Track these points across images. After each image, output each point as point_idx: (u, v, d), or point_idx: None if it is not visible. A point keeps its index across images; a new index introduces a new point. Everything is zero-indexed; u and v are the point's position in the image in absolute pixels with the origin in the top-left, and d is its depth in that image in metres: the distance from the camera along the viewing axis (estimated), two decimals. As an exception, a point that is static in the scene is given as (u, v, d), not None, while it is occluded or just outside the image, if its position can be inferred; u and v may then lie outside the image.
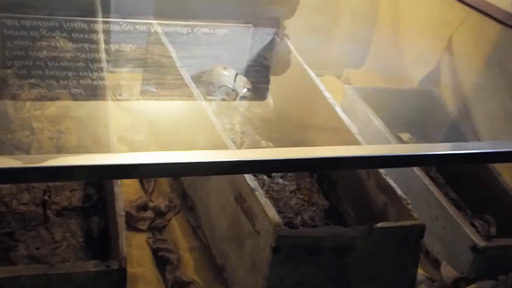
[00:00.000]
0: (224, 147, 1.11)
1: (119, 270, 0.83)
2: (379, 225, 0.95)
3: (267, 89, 1.64)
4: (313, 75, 1.40)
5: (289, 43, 1.57)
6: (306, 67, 1.44)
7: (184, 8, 1.67)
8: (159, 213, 1.20)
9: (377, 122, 1.34)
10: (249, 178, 1.00)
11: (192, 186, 1.24)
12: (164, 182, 1.29)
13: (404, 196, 1.03)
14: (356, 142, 1.17)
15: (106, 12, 1.53)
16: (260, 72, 1.70)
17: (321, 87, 1.35)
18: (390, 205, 1.05)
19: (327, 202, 1.20)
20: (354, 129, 1.21)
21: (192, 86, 1.27)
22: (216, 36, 1.66)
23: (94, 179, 1.02)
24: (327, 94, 1.32)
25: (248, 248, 0.99)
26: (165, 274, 1.07)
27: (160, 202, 1.22)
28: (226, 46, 1.65)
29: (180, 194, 1.25)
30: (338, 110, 1.26)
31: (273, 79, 1.64)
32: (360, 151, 0.96)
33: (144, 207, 1.20)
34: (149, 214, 1.19)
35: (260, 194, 0.97)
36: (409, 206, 1.01)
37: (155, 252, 1.11)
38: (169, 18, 1.58)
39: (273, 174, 1.24)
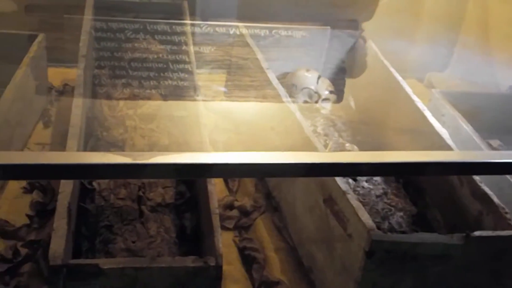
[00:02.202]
0: (312, 149, 1.11)
1: (216, 267, 0.85)
2: (476, 233, 0.92)
3: (344, 91, 1.63)
4: (399, 78, 1.38)
5: (373, 45, 1.55)
6: (392, 70, 1.42)
7: (263, 10, 1.69)
8: (244, 213, 1.21)
9: (467, 128, 1.30)
10: (340, 181, 1.00)
11: (277, 187, 1.25)
12: (249, 182, 1.30)
13: (501, 204, 1.00)
14: (447, 148, 1.14)
15: (193, 15, 1.58)
16: (337, 75, 1.69)
17: (408, 90, 1.33)
18: (486, 214, 1.02)
19: (415, 208, 1.18)
20: (444, 134, 1.18)
21: (279, 88, 1.28)
22: (294, 38, 1.66)
23: (193, 177, 1.05)
24: (414, 98, 1.30)
25: (338, 251, 0.98)
26: (252, 273, 1.08)
27: (245, 201, 1.24)
28: (304, 49, 1.66)
29: (265, 194, 1.27)
30: (428, 114, 1.23)
31: (355, 81, 1.63)
32: (454, 156, 0.94)
33: (230, 206, 1.22)
34: (235, 213, 1.21)
35: (352, 197, 0.96)
36: (508, 216, 0.97)
37: (241, 250, 1.12)
38: (248, 20, 1.60)
39: (358, 177, 1.23)
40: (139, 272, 0.83)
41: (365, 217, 0.92)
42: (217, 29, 1.53)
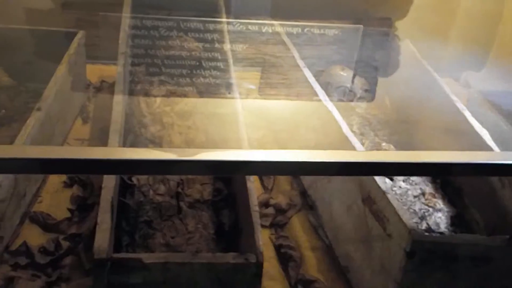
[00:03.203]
0: (350, 148, 1.10)
1: (257, 263, 0.85)
2: (520, 236, 0.91)
3: (376, 90, 1.62)
4: (437, 77, 1.36)
5: (410, 44, 1.53)
6: (430, 68, 1.40)
7: (296, 8, 1.69)
8: (280, 211, 1.21)
9: (507, 128, 1.28)
10: (380, 180, 0.99)
11: (312, 185, 1.25)
12: (284, 180, 1.30)
13: (546, 207, 0.98)
14: (488, 148, 1.13)
15: (228, 12, 1.58)
16: (369, 73, 1.68)
17: (447, 89, 1.31)
18: (528, 216, 1.00)
19: (453, 209, 1.16)
20: (485, 134, 1.16)
21: (316, 86, 1.27)
22: (327, 36, 1.65)
23: (232, 174, 1.05)
24: (453, 97, 1.28)
25: (377, 251, 0.98)
26: (288, 271, 1.08)
27: (280, 199, 1.24)
28: (336, 47, 1.65)
29: (300, 192, 1.27)
30: (467, 114, 1.21)
31: (388, 80, 1.61)
32: (495, 157, 0.92)
33: (265, 204, 1.22)
34: (270, 210, 1.21)
35: (392, 197, 0.95)
36: (552, 218, 0.96)
37: (278, 248, 1.13)
38: (281, 18, 1.60)
39: (395, 177, 1.22)
40: (180, 267, 0.84)
41: (406, 217, 0.91)
42: (251, 27, 1.53)
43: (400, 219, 0.91)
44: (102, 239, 0.83)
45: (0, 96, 1.25)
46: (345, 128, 1.14)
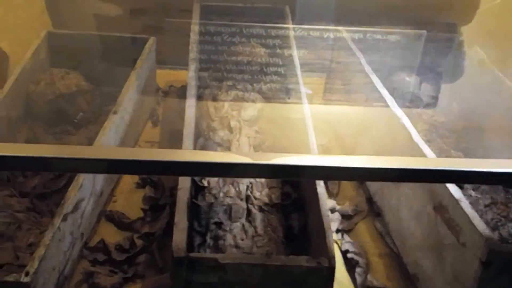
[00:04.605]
0: (420, 155, 1.09)
1: (329, 267, 0.86)
2: None
3: (439, 97, 1.59)
4: (509, 83, 1.33)
5: (479, 50, 1.50)
6: (500, 74, 1.37)
7: (359, 14, 1.68)
8: (346, 216, 1.22)
9: None
10: (453, 188, 0.98)
11: (379, 191, 1.24)
12: (349, 186, 1.31)
13: None
14: None
15: (294, 19, 1.60)
16: (433, 79, 1.65)
17: (519, 96, 1.28)
18: None
19: (527, 220, 1.13)
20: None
21: (384, 92, 1.27)
22: (389, 42, 1.64)
23: (304, 179, 1.06)
24: (527, 105, 1.25)
25: (449, 260, 0.96)
26: (355, 277, 1.08)
27: (346, 205, 1.24)
28: (399, 52, 1.63)
29: (366, 198, 1.26)
30: (544, 122, 1.18)
31: (452, 86, 1.58)
32: None
33: (331, 209, 1.22)
34: (336, 216, 1.21)
35: (466, 205, 0.94)
36: None
37: (344, 254, 1.13)
38: (343, 23, 1.60)
39: (465, 185, 1.20)
40: (254, 269, 0.86)
41: (481, 226, 0.89)
42: (316, 32, 1.54)
43: (475, 228, 0.89)
44: (180, 239, 0.86)
45: (78, 100, 1.31)
46: (415, 134, 1.13)
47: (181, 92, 1.54)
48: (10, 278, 0.83)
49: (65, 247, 0.97)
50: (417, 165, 0.79)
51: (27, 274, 0.84)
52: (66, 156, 0.73)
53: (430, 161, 0.94)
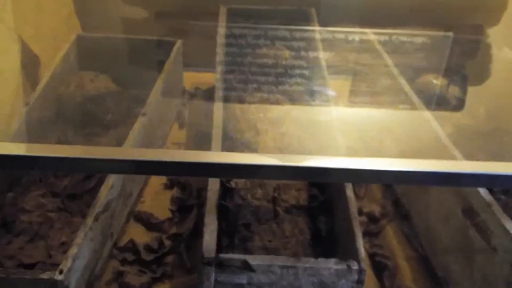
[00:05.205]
0: (449, 158, 1.09)
1: (359, 270, 0.86)
2: None
3: (465, 99, 1.58)
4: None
5: (509, 51, 1.48)
6: (530, 77, 1.35)
7: (385, 16, 1.68)
8: (373, 219, 1.21)
9: None
10: (483, 192, 0.97)
11: (406, 194, 1.24)
12: (376, 188, 1.30)
13: None
14: None
15: (319, 21, 1.60)
16: (459, 82, 1.64)
17: (550, 99, 1.26)
18: None
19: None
20: None
21: (412, 95, 1.26)
22: (415, 44, 1.63)
23: (332, 181, 1.07)
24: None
25: (478, 264, 0.96)
26: (383, 280, 1.08)
27: (373, 208, 1.23)
28: (424, 55, 1.62)
29: (393, 201, 1.26)
30: None
31: (479, 89, 1.57)
32: None
33: (358, 212, 1.22)
34: (363, 219, 1.21)
35: (498, 209, 0.93)
36: None
37: (371, 257, 1.13)
38: (369, 26, 1.60)
39: (495, 189, 1.19)
40: (284, 270, 0.86)
41: (513, 231, 0.88)
42: (342, 34, 1.55)
43: (508, 232, 0.88)
44: (210, 240, 0.87)
45: (107, 102, 1.33)
46: (444, 137, 1.12)
47: (206, 94, 1.55)
48: (45, 276, 0.85)
49: (96, 246, 0.99)
50: (447, 168, 0.79)
51: (61, 272, 0.85)
52: (96, 157, 0.74)
53: (460, 164, 0.93)
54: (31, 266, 0.96)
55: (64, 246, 1.00)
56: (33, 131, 1.22)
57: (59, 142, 1.26)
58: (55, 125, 1.30)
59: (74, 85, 1.33)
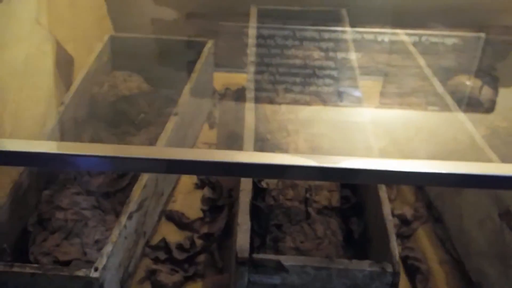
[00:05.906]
0: (485, 160, 1.07)
1: (393, 273, 0.85)
2: None
3: (496, 101, 1.55)
4: None
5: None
6: None
7: (416, 16, 1.66)
8: (405, 222, 1.20)
9: None
10: (521, 195, 0.95)
11: (439, 197, 1.22)
12: (407, 190, 1.29)
13: None
14: None
15: (350, 22, 1.59)
16: (492, 83, 1.61)
17: None
18: None
19: None
20: None
21: (446, 96, 1.25)
22: (446, 45, 1.61)
23: (365, 182, 1.06)
24: None
25: (516, 268, 0.94)
26: (416, 284, 1.07)
27: (405, 210, 1.22)
28: (455, 56, 1.60)
29: (426, 204, 1.24)
30: None
31: (510, 91, 1.54)
32: None
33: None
34: (395, 221, 1.19)
35: (536, 213, 0.91)
36: None
37: (404, 260, 1.11)
38: (400, 26, 1.58)
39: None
40: (317, 271, 0.86)
41: (553, 235, 0.87)
42: (372, 35, 1.54)
43: (547, 237, 0.87)
44: (244, 240, 0.87)
45: (140, 102, 1.34)
46: (479, 139, 1.10)
47: (237, 95, 1.56)
48: (80, 273, 0.86)
49: (130, 244, 1.00)
50: (483, 171, 0.78)
51: (96, 269, 0.87)
52: (129, 156, 0.74)
53: (497, 166, 0.91)
54: (66, 263, 0.98)
55: (98, 244, 1.01)
56: (67, 131, 1.24)
57: (93, 141, 1.28)
58: (89, 125, 1.32)
59: (108, 85, 1.35)
